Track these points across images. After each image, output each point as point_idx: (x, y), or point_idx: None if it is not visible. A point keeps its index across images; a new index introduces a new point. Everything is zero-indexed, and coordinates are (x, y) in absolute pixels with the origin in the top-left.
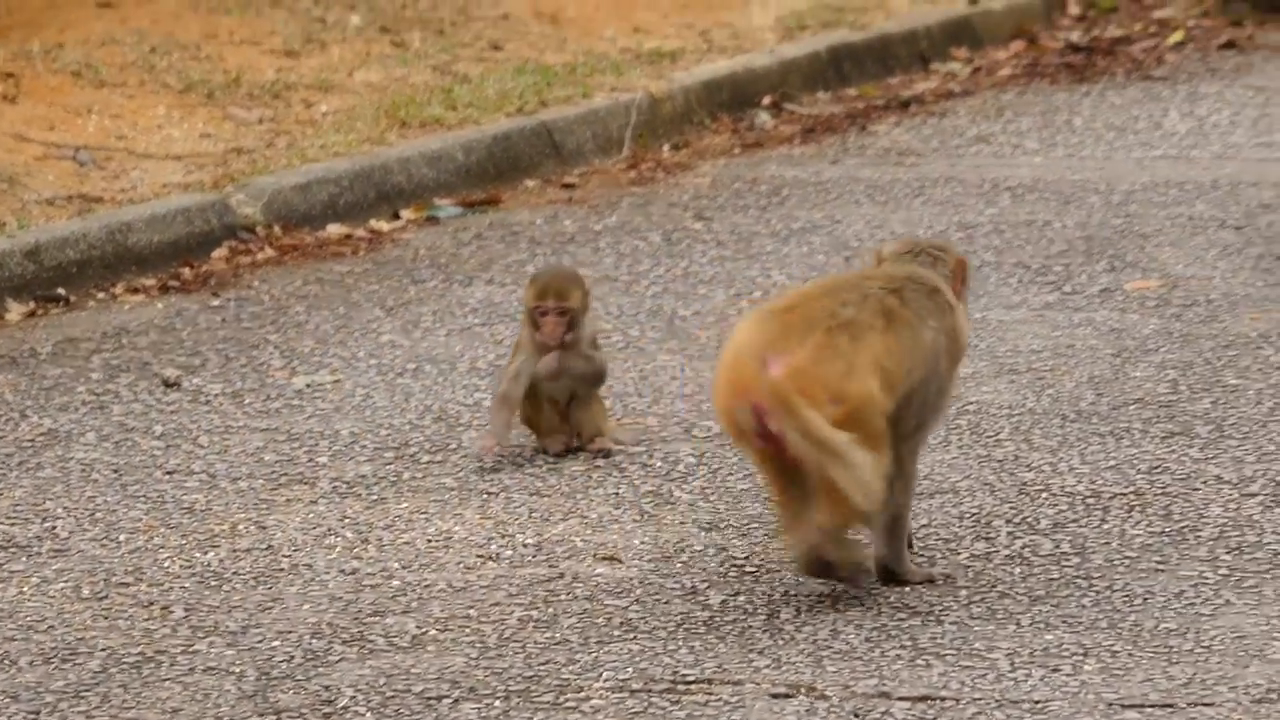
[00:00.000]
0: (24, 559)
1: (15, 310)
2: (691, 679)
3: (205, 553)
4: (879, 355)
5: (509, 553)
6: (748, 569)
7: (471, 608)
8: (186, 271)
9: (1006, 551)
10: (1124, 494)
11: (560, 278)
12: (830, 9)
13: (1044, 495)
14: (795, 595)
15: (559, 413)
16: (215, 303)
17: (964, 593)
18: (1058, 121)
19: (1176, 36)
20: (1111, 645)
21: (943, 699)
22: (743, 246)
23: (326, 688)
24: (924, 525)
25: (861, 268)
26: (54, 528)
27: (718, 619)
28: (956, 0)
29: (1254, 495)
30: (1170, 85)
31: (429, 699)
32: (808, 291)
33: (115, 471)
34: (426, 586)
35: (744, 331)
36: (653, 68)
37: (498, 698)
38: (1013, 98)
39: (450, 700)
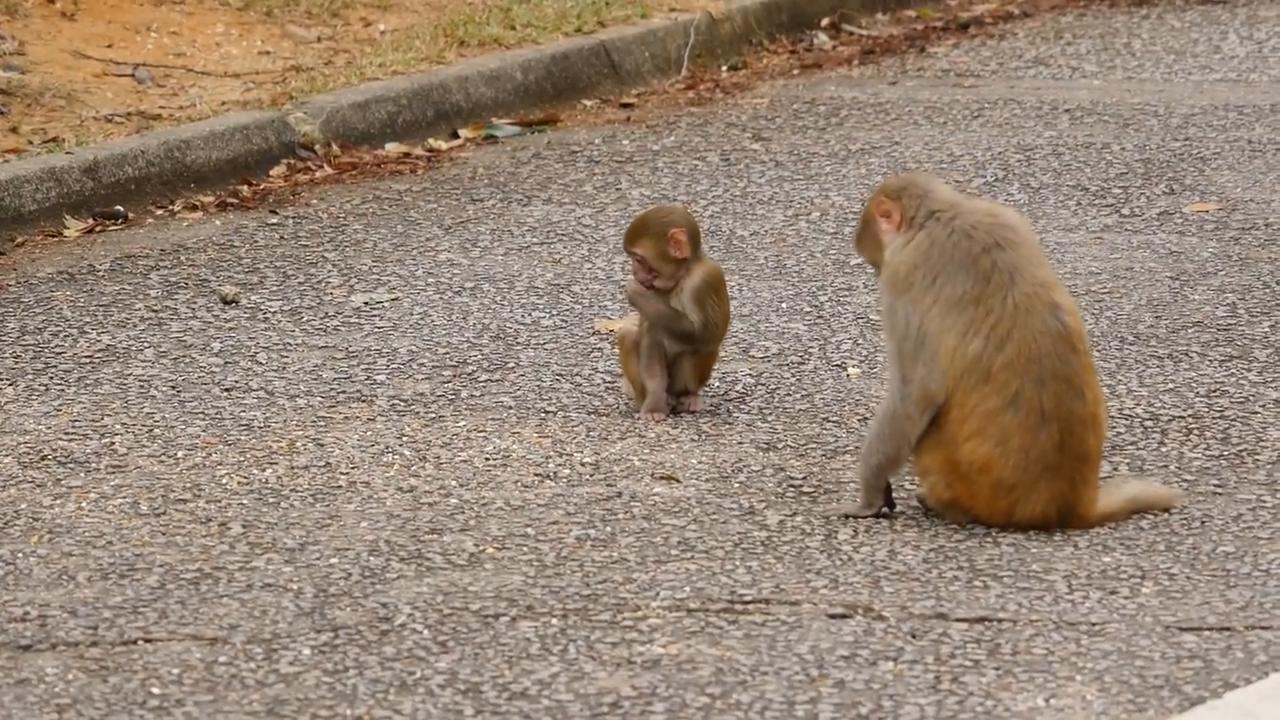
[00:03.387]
0: (82, 474)
1: (74, 227)
2: (749, 599)
3: (263, 470)
4: None
5: (566, 471)
6: (805, 489)
7: (529, 526)
8: (245, 189)
9: None
10: (1182, 417)
11: (636, 223)
12: None
13: None
14: (852, 516)
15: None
16: (273, 220)
17: None
18: (1116, 44)
19: None
20: (1169, 568)
21: (1000, 620)
22: (801, 167)
23: (384, 605)
24: None
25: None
26: (112, 444)
27: (775, 539)
28: None
29: None
30: (1229, 9)
31: (486, 617)
32: None
33: (173, 388)
34: (484, 505)
35: None
36: None
37: (555, 616)
38: (1071, 20)
39: (507, 618)
